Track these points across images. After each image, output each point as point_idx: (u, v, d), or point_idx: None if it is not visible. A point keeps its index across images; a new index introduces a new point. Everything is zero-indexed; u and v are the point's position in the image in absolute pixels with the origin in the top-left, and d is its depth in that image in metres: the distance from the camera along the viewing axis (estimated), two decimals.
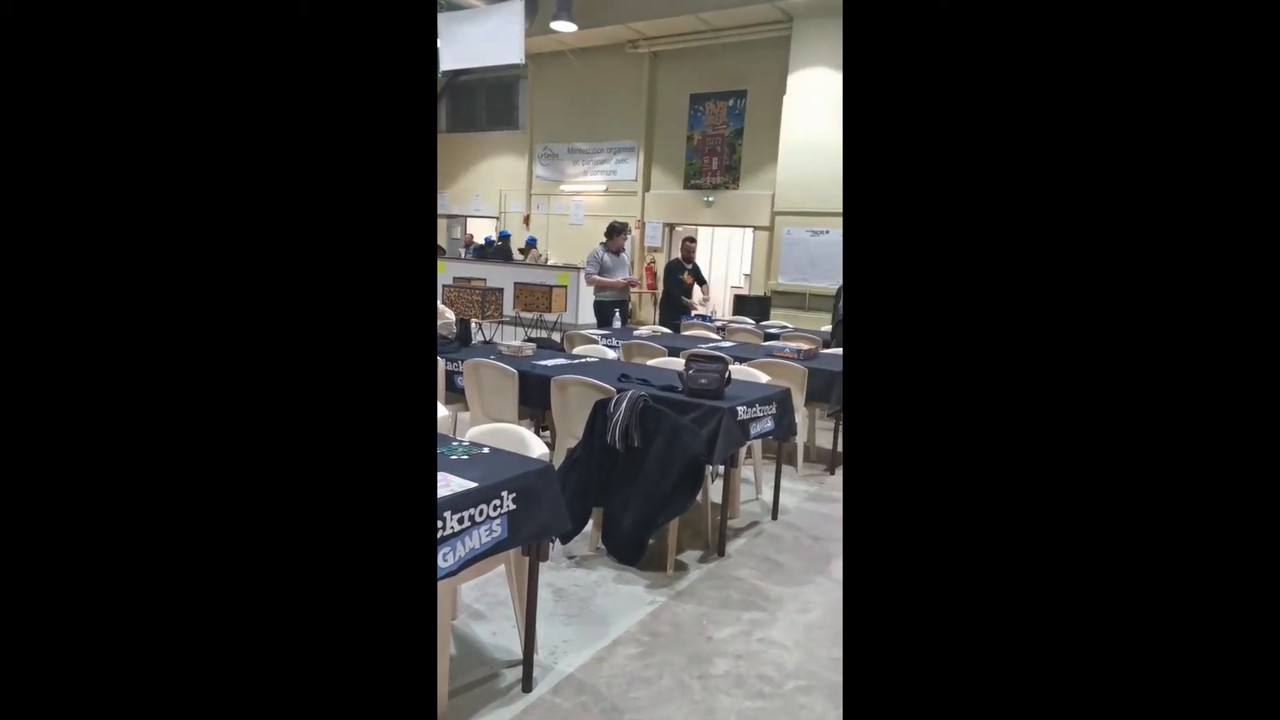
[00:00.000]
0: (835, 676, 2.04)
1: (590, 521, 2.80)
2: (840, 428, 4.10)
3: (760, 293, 8.92)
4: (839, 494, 3.70)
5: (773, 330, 5.69)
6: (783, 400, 3.12)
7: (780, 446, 3.35)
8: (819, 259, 8.37)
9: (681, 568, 2.72)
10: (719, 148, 9.59)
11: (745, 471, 3.57)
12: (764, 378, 3.45)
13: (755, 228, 9.35)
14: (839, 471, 4.06)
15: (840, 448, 4.16)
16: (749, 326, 5.77)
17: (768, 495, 3.42)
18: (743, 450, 3.03)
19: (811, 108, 8.20)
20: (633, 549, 2.70)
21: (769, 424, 3.02)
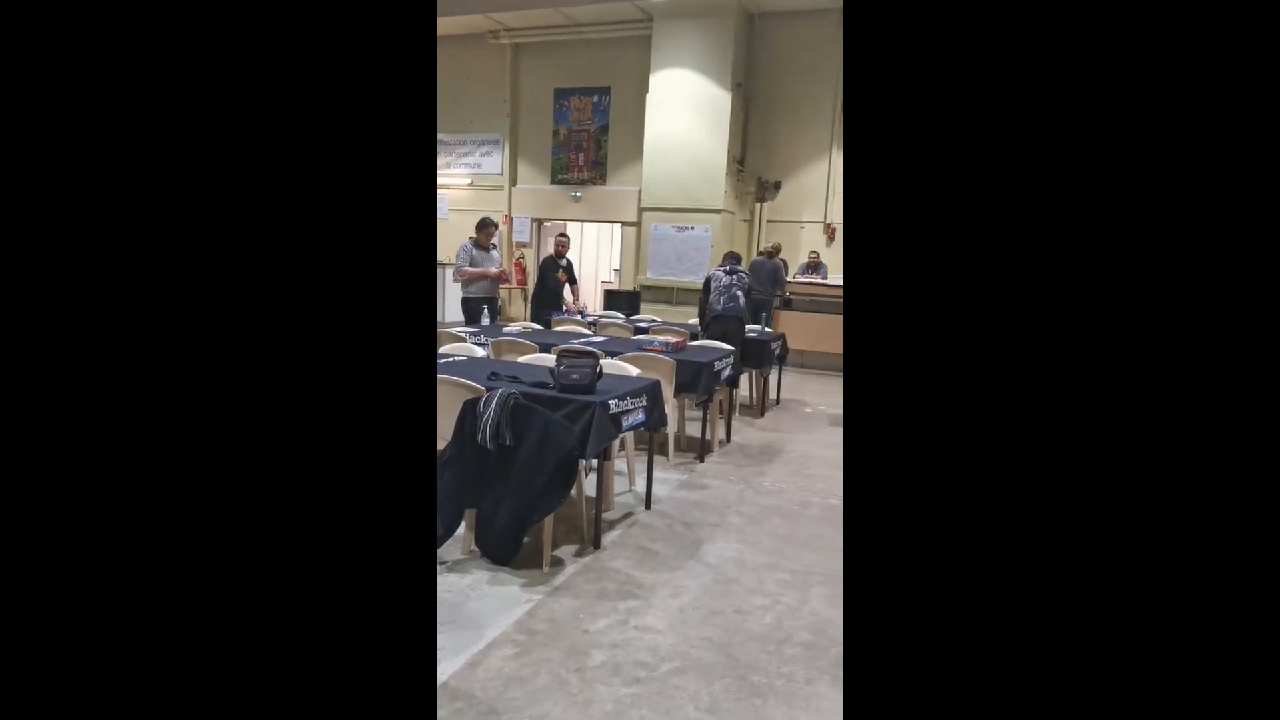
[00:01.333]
0: (706, 655, 2.13)
1: (463, 524, 2.73)
2: (708, 417, 4.26)
3: (630, 287, 9.06)
4: (709, 481, 3.85)
5: (642, 324, 5.79)
6: (653, 392, 3.19)
7: (652, 437, 3.43)
8: (685, 254, 8.63)
9: (558, 563, 2.72)
10: (585, 143, 9.61)
11: (619, 464, 3.62)
12: (634, 371, 3.52)
13: (623, 223, 9.47)
14: (708, 459, 4.22)
15: (708, 435, 4.32)
16: (619, 321, 5.85)
17: (641, 486, 3.50)
18: (615, 443, 3.07)
19: (673, 107, 8.41)
20: (507, 548, 2.67)
21: (640, 416, 3.08)
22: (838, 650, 2.21)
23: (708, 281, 5.41)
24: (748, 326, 5.52)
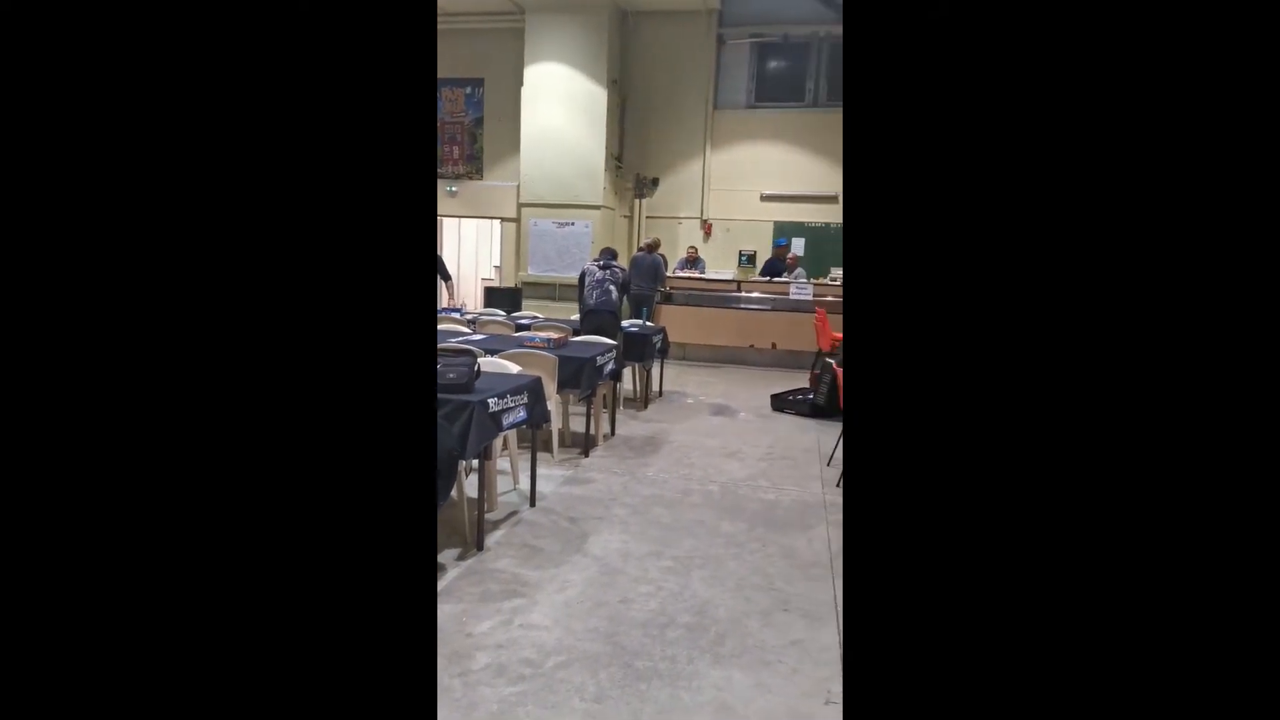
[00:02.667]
0: (592, 646, 2.16)
1: None
2: (591, 411, 4.29)
3: (511, 284, 8.92)
4: (593, 475, 3.88)
5: (524, 321, 5.73)
6: (534, 389, 3.17)
7: (535, 434, 3.41)
8: (566, 250, 8.60)
9: (439, 568, 2.65)
10: (459, 136, 9.34)
11: (501, 463, 3.57)
12: (515, 368, 3.48)
13: (502, 219, 9.30)
14: (593, 453, 4.25)
15: (593, 430, 4.35)
16: (500, 319, 5.75)
17: (525, 484, 3.47)
18: (497, 441, 3.03)
19: (549, 102, 8.35)
20: None
21: (522, 414, 3.05)
22: (717, 629, 2.30)
23: (582, 276, 5.44)
24: (629, 321, 5.60)
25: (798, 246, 8.46)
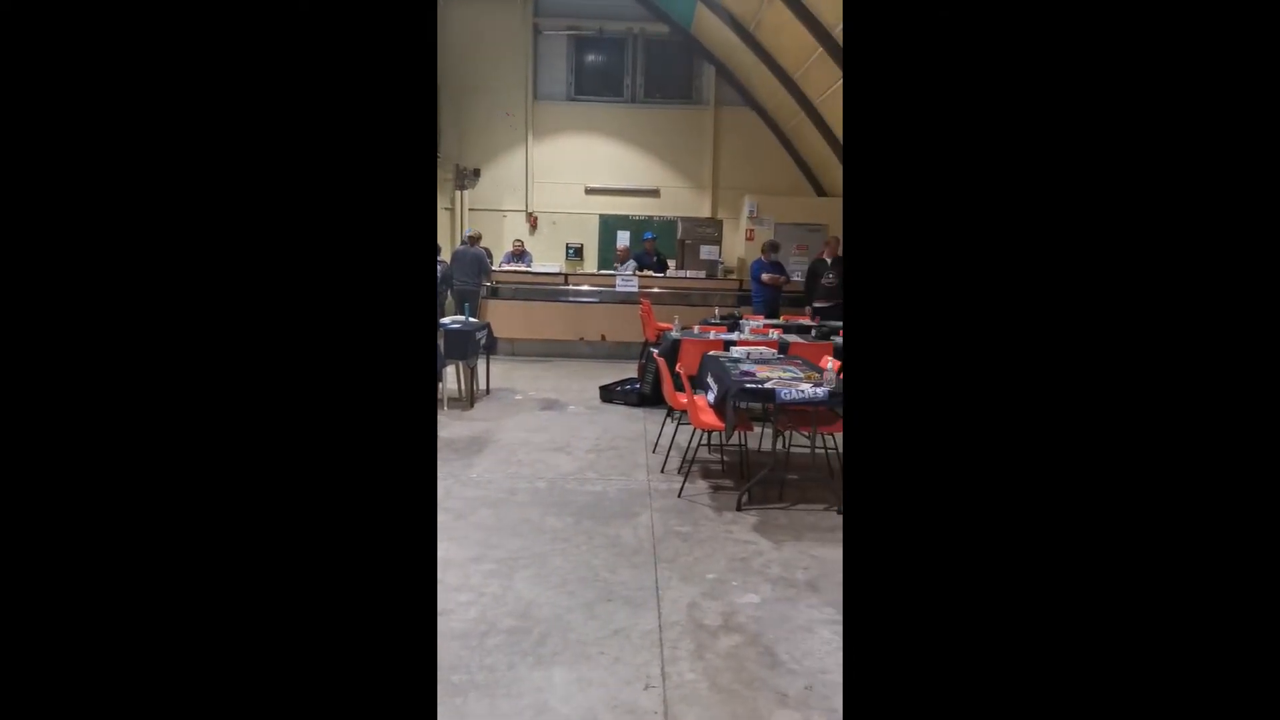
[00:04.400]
0: None
1: None
2: None
3: None
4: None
5: None
6: None
7: None
8: None
9: None
10: None
11: None
12: None
13: None
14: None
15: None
16: None
17: None
18: None
19: None
20: None
21: None
22: (540, 629, 2.26)
23: None
24: (453, 317, 5.37)
25: (624, 239, 8.60)
